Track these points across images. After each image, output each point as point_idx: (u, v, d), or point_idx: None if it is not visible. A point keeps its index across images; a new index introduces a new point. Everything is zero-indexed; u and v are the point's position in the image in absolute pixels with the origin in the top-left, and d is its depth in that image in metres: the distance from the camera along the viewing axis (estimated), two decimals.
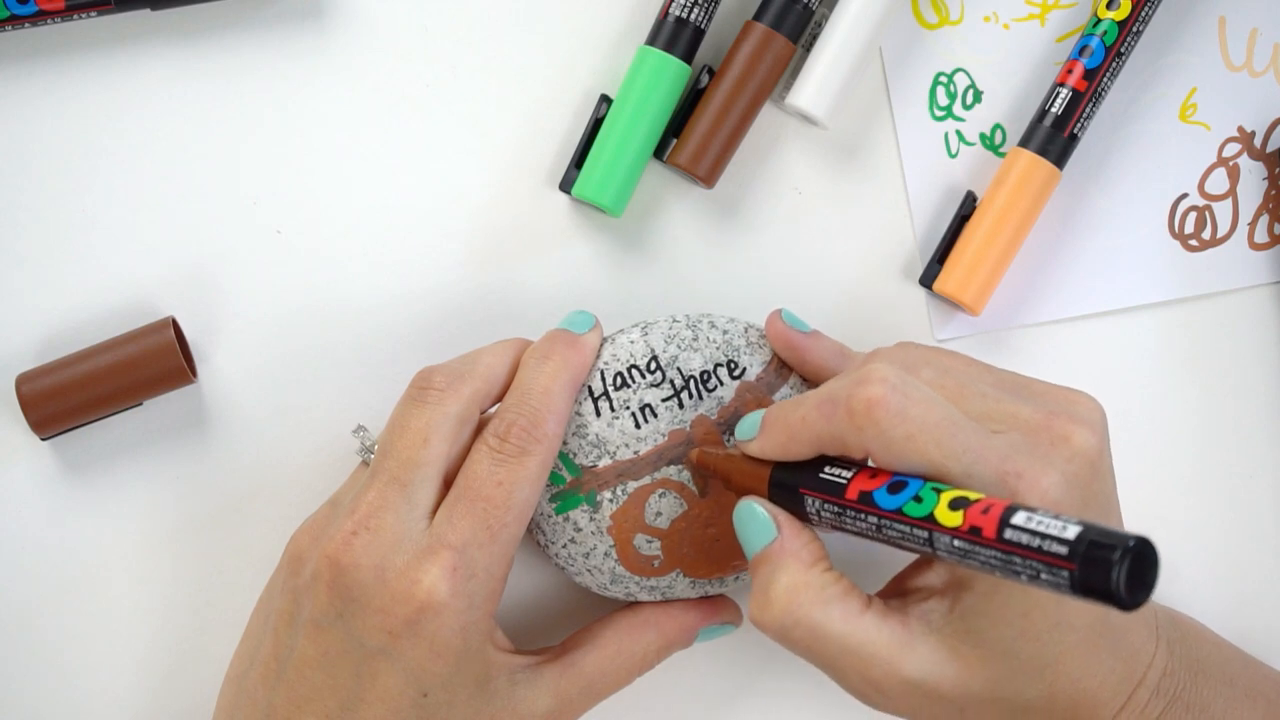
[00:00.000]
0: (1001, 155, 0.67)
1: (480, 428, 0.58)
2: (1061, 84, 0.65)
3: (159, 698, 0.64)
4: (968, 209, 0.66)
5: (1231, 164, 0.68)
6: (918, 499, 0.50)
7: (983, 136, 0.67)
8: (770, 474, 0.55)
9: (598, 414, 0.59)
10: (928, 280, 0.66)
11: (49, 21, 0.63)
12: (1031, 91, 0.67)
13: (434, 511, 0.56)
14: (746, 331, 0.61)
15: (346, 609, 0.55)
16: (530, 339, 0.61)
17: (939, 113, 0.67)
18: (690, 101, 0.65)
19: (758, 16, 0.64)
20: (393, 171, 0.65)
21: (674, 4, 0.64)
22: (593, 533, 0.59)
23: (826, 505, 0.53)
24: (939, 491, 0.50)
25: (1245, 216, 0.68)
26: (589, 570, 0.60)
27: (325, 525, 0.58)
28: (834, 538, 0.57)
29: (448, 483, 0.57)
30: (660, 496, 0.59)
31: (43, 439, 0.63)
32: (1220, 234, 0.68)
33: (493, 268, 0.65)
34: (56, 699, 0.63)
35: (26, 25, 0.63)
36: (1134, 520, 0.58)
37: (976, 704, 0.53)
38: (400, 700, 0.55)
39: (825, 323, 0.64)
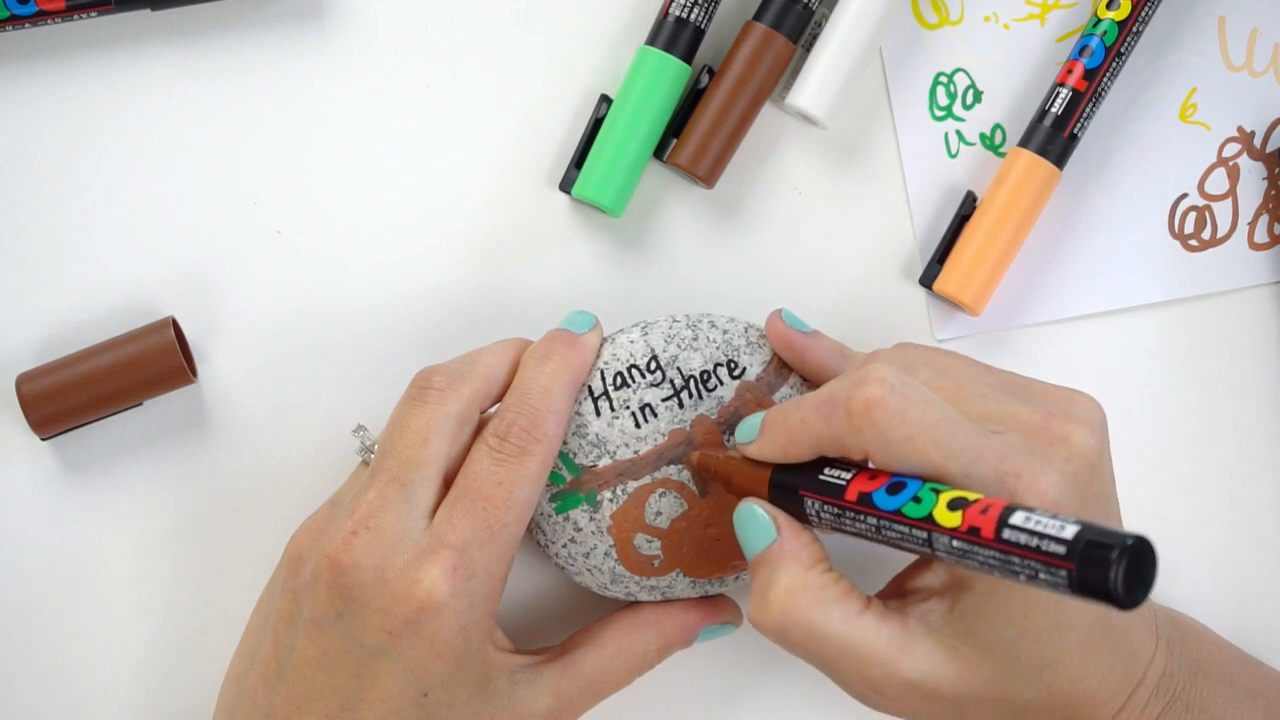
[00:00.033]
0: (1001, 155, 0.67)
1: (480, 427, 0.58)
2: (1061, 84, 0.65)
3: (159, 698, 0.64)
4: (968, 209, 0.66)
5: (1231, 164, 0.68)
6: (916, 500, 0.50)
7: (983, 136, 0.67)
8: (770, 476, 0.55)
9: (598, 414, 0.59)
10: (928, 280, 0.66)
11: (49, 21, 0.63)
12: (1031, 91, 0.67)
13: (434, 511, 0.56)
14: (746, 331, 0.61)
15: (346, 609, 0.55)
16: (530, 339, 0.61)
17: (939, 113, 0.67)
18: (690, 101, 0.65)
19: (758, 16, 0.64)
20: (393, 171, 0.65)
21: (674, 4, 0.64)
22: (593, 532, 0.59)
23: (826, 506, 0.53)
24: (938, 492, 0.50)
25: (1245, 216, 0.68)
26: (589, 570, 0.60)
27: (325, 525, 0.58)
28: (834, 539, 0.57)
29: (448, 483, 0.57)
30: (660, 496, 0.59)
31: (43, 439, 0.63)
32: (1220, 234, 0.68)
33: (493, 268, 0.65)
34: (56, 699, 0.63)
35: (26, 25, 0.63)
36: (1134, 520, 0.58)
37: (976, 704, 0.53)
38: (400, 700, 0.55)
39: (825, 323, 0.64)
